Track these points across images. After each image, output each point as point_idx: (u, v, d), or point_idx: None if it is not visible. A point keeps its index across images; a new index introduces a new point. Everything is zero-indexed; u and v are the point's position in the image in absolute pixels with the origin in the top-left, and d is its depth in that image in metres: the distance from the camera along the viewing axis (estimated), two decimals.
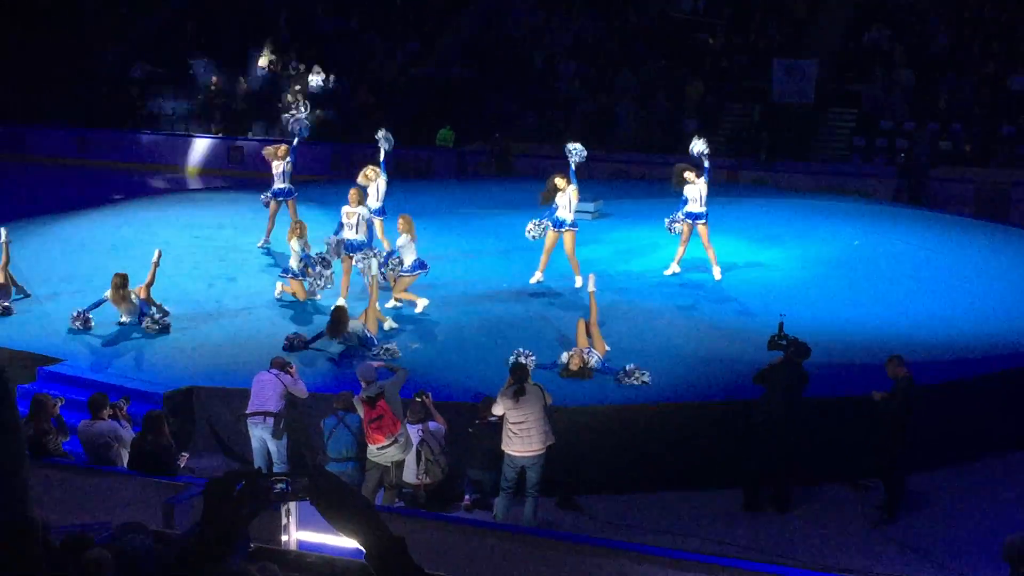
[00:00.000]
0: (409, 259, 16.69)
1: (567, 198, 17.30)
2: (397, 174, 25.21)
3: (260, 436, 12.99)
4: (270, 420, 12.87)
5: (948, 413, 14.06)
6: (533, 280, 17.82)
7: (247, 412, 13.01)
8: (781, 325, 13.28)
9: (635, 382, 14.04)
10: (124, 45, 38.83)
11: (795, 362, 12.93)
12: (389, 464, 12.40)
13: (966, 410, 14.33)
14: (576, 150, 17.50)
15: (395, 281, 16.77)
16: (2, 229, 17.16)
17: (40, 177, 33.12)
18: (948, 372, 14.80)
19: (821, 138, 32.15)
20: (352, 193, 16.95)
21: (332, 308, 15.47)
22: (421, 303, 16.69)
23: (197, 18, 39.19)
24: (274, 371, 13.09)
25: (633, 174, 30.12)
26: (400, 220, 16.84)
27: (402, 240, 16.69)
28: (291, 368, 13.30)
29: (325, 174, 30.11)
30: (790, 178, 29.13)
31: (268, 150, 20.25)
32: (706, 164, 17.69)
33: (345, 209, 16.88)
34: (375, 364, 13.04)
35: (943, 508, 13.20)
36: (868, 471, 13.30)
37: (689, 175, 17.81)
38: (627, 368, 14.17)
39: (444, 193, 25.54)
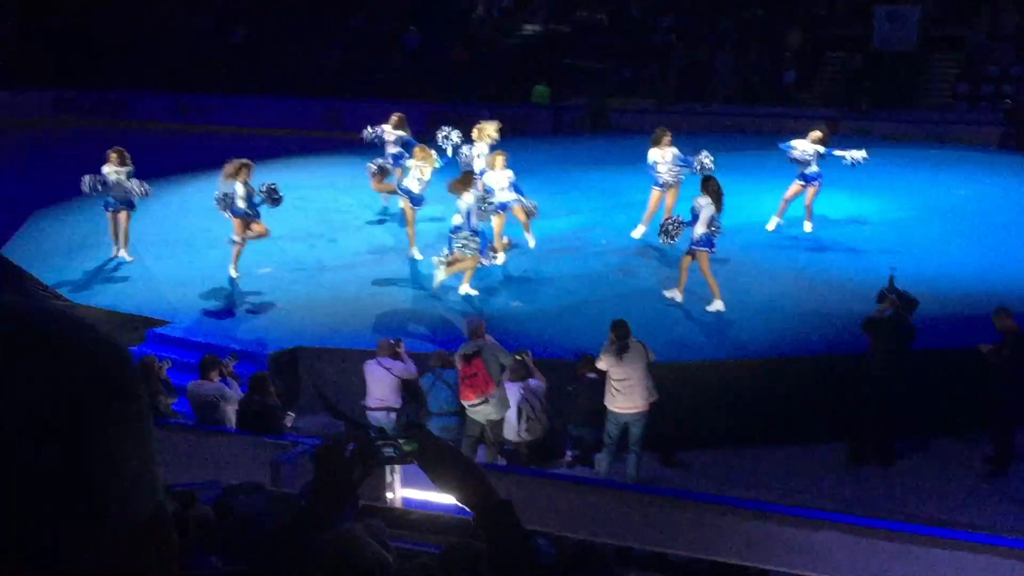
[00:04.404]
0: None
1: (660, 153, 17.27)
2: None
3: (381, 423, 12.66)
4: (393, 415, 12.77)
5: None
6: (634, 234, 17.77)
7: (368, 405, 12.83)
8: (892, 279, 13.11)
9: None
10: (220, 9, 39.19)
11: (903, 315, 12.75)
12: (485, 422, 12.45)
13: None
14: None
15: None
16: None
17: (141, 142, 33.62)
18: None
19: (924, 86, 31.46)
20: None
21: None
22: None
23: None
24: (384, 361, 12.72)
25: (731, 126, 29.72)
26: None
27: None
28: (399, 347, 13.01)
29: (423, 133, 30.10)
30: (893, 127, 28.56)
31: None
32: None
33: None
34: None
35: None
36: (976, 425, 13.10)
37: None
38: None
39: (540, 149, 25.44)
